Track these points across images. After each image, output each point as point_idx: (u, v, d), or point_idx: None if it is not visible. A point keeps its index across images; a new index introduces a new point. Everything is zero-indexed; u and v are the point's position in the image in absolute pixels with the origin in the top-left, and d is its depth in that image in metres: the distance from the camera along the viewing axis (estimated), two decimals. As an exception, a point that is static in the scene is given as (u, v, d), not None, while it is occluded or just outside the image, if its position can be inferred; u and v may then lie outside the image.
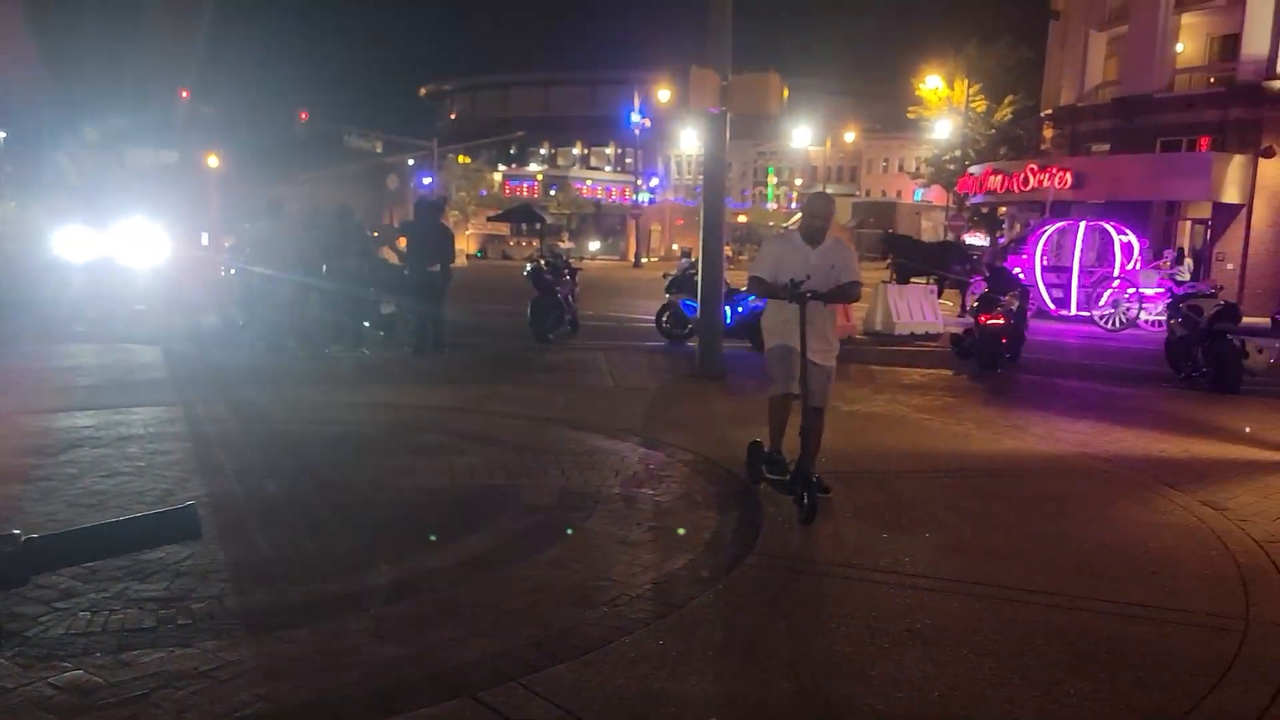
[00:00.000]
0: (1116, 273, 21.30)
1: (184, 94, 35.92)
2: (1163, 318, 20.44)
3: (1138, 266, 21.52)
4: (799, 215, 7.25)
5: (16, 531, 1.44)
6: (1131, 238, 22.27)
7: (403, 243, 13.35)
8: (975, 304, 13.86)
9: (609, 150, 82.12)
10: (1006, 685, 3.73)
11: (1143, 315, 20.89)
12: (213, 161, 56.76)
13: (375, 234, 16.18)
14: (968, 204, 39.27)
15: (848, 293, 6.31)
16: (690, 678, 3.70)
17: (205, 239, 13.08)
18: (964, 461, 7.59)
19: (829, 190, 75.75)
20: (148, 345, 12.44)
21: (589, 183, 73.87)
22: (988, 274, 16.05)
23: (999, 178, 31.84)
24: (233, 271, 14.92)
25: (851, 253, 6.50)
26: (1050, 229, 23.33)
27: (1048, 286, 22.48)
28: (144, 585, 4.49)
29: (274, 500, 5.98)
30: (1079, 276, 21.86)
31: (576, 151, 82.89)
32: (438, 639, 3.97)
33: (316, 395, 9.49)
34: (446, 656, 3.82)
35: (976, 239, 43.86)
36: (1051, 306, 22.34)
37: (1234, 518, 6.18)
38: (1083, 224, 22.90)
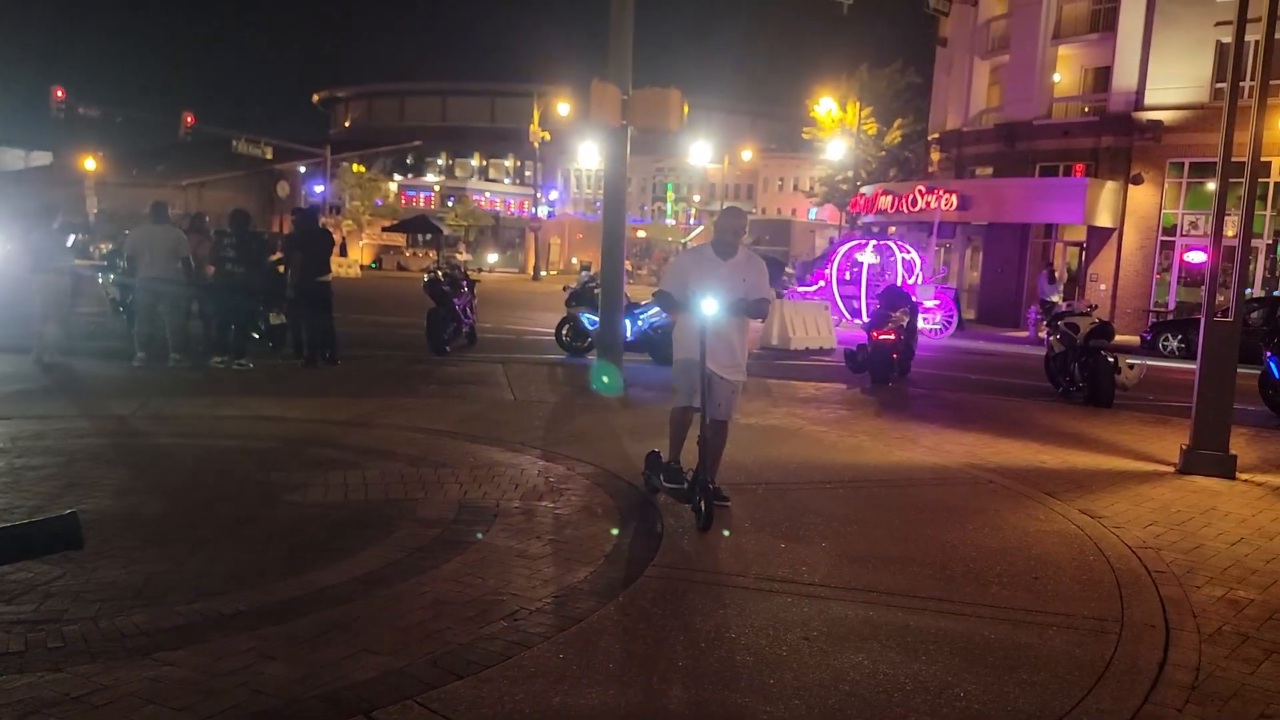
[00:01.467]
0: (898, 286, 23.41)
1: (59, 93, 34.15)
2: (938, 326, 23.11)
3: (919, 281, 24.01)
4: (699, 230, 7.23)
5: None
6: (913, 255, 25.12)
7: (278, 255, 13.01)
8: (869, 320, 14.24)
9: (508, 163, 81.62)
10: (900, 690, 3.81)
11: (920, 323, 22.97)
12: (90, 164, 54.31)
13: (272, 245, 15.64)
14: (859, 223, 40.38)
15: (750, 309, 6.22)
16: (590, 691, 3.67)
17: (70, 243, 12.23)
18: (858, 472, 7.76)
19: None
20: (10, 354, 11.77)
21: (487, 195, 73.33)
22: (880, 296, 16.84)
23: (889, 198, 32.87)
24: (111, 279, 14.27)
25: (763, 268, 6.44)
26: (845, 246, 26.04)
27: (844, 298, 24.79)
28: (10, 607, 4.22)
29: (155, 517, 5.71)
30: (867, 289, 24.05)
31: (475, 163, 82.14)
32: (329, 657, 3.84)
33: (201, 408, 9.13)
34: (339, 675, 3.70)
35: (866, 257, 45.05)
36: (848, 316, 24.42)
37: (1109, 525, 6.48)
38: (871, 242, 25.60)
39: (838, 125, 44.06)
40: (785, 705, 3.64)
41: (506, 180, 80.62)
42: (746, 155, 72.08)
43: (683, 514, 6.08)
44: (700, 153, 66.43)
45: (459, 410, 9.66)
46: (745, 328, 6.48)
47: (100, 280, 14.70)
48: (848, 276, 24.95)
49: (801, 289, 24.84)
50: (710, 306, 5.95)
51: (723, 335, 6.14)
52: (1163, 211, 28.03)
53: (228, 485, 6.46)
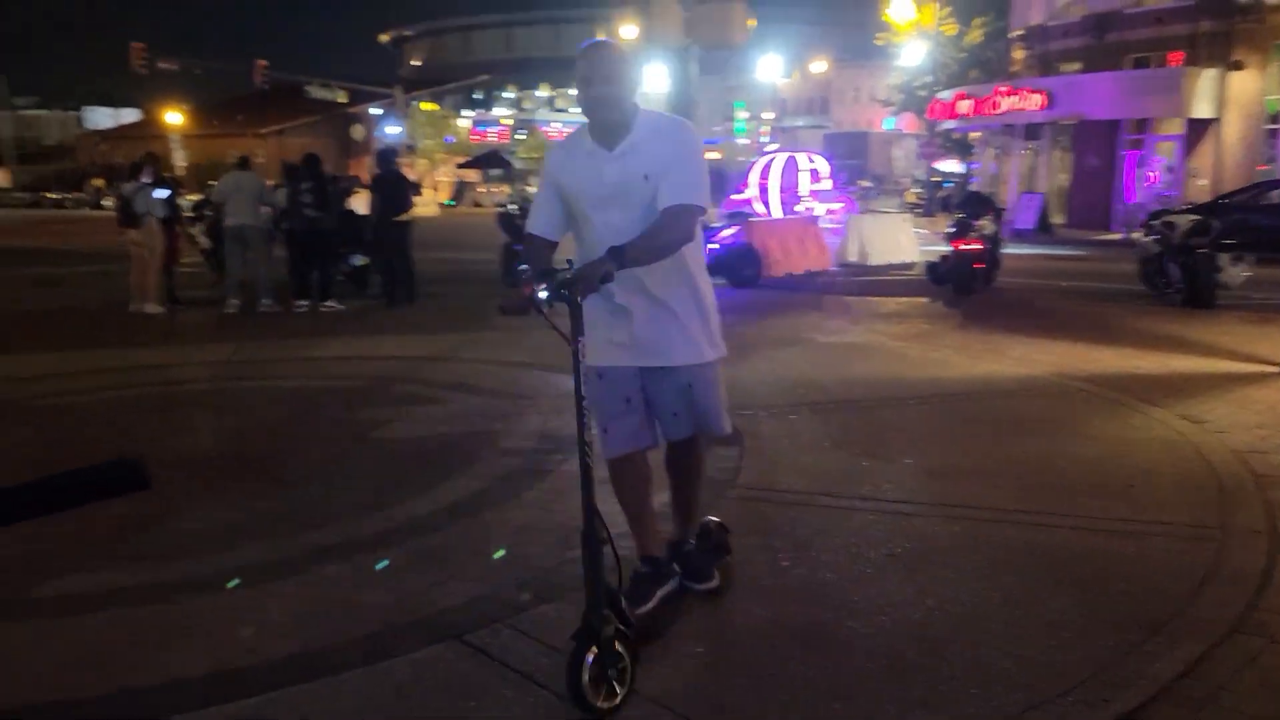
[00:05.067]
0: (804, 192, 25.98)
1: (138, 48, 34.83)
2: (841, 225, 24.08)
3: (827, 188, 26.70)
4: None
5: None
6: (820, 165, 27.49)
7: (363, 195, 13.17)
8: (951, 229, 13.82)
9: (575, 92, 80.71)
10: (987, 604, 3.76)
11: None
12: (175, 117, 55.59)
13: (348, 187, 15.83)
14: (938, 130, 39.01)
15: (644, 249, 3.15)
16: (674, 608, 3.71)
17: (164, 196, 12.33)
18: (942, 386, 7.61)
19: (800, 124, 74.25)
20: (113, 306, 12.24)
21: (556, 125, 72.76)
22: (956, 203, 16.32)
23: (969, 102, 31.61)
24: (201, 228, 14.66)
25: (686, 142, 3.40)
26: (762, 160, 28.23)
27: (766, 204, 27.37)
28: (126, 545, 4.44)
29: (254, 456, 5.93)
30: (781, 194, 26.35)
31: (542, 94, 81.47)
32: (421, 585, 3.96)
33: (291, 350, 9.39)
34: (430, 601, 3.81)
35: (948, 165, 43.69)
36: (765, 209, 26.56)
37: (1211, 430, 6.23)
38: (782, 155, 27.87)
39: (913, 28, 42.30)
40: (870, 620, 3.62)
41: (575, 109, 79.76)
42: (818, 68, 69.97)
43: (762, 434, 6.05)
44: (769, 68, 64.66)
45: (535, 341, 9.72)
46: (686, 267, 3.45)
47: (191, 231, 15.08)
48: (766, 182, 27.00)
49: (735, 197, 26.10)
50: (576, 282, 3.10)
51: (645, 298, 3.44)
52: (1266, 98, 26.37)
53: (320, 424, 6.67)
